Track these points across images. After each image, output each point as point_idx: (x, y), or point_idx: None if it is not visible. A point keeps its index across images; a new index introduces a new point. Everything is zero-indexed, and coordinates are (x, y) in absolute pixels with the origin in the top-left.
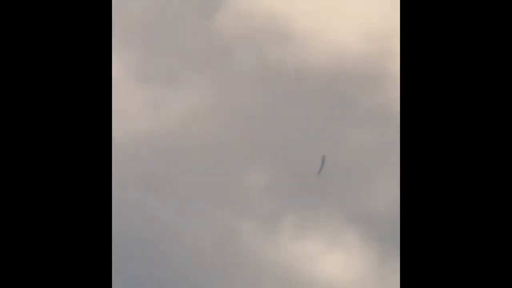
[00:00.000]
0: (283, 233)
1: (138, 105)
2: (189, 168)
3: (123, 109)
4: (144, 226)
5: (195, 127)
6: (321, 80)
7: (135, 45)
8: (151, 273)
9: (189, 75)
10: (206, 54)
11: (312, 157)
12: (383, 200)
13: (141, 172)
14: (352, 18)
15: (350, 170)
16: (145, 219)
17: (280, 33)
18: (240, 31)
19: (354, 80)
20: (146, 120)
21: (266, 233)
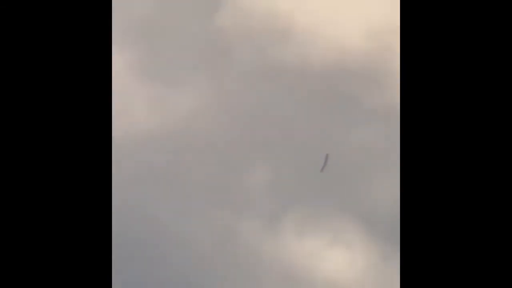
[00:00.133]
0: (285, 231)
1: (139, 104)
2: (189, 168)
3: (123, 108)
4: (144, 226)
5: (195, 126)
6: (322, 78)
7: (135, 44)
8: (151, 273)
9: (189, 74)
10: (207, 52)
11: (314, 156)
12: (385, 197)
13: (141, 171)
14: (353, 16)
15: (352, 167)
16: (145, 219)
17: (280, 31)
18: (240, 30)
19: (356, 78)
20: (146, 119)
21: (267, 232)
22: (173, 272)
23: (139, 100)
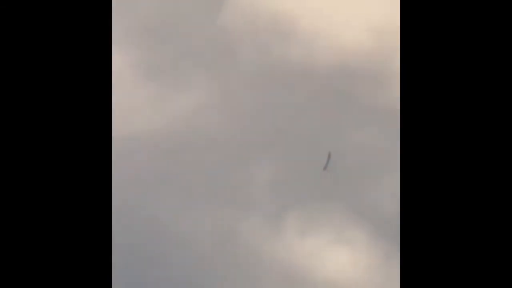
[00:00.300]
0: (285, 231)
1: (139, 103)
2: (191, 167)
3: (123, 108)
4: (144, 226)
5: (198, 125)
6: (325, 77)
7: (137, 43)
8: (151, 273)
9: (192, 73)
10: (209, 52)
11: (317, 155)
12: (388, 196)
13: (141, 171)
14: (356, 15)
15: (355, 166)
16: (145, 219)
17: (283, 31)
18: (243, 29)
19: (359, 78)
20: (147, 119)
21: (268, 232)
22: (173, 272)
23: (139, 100)
